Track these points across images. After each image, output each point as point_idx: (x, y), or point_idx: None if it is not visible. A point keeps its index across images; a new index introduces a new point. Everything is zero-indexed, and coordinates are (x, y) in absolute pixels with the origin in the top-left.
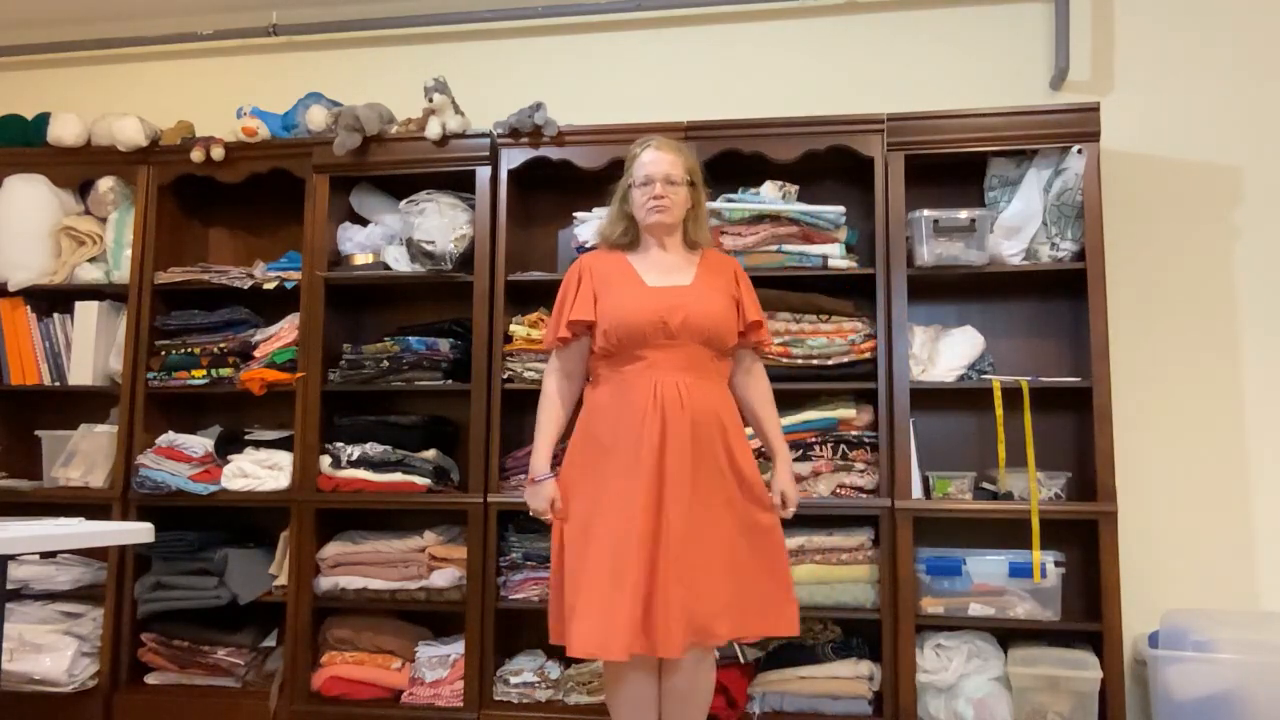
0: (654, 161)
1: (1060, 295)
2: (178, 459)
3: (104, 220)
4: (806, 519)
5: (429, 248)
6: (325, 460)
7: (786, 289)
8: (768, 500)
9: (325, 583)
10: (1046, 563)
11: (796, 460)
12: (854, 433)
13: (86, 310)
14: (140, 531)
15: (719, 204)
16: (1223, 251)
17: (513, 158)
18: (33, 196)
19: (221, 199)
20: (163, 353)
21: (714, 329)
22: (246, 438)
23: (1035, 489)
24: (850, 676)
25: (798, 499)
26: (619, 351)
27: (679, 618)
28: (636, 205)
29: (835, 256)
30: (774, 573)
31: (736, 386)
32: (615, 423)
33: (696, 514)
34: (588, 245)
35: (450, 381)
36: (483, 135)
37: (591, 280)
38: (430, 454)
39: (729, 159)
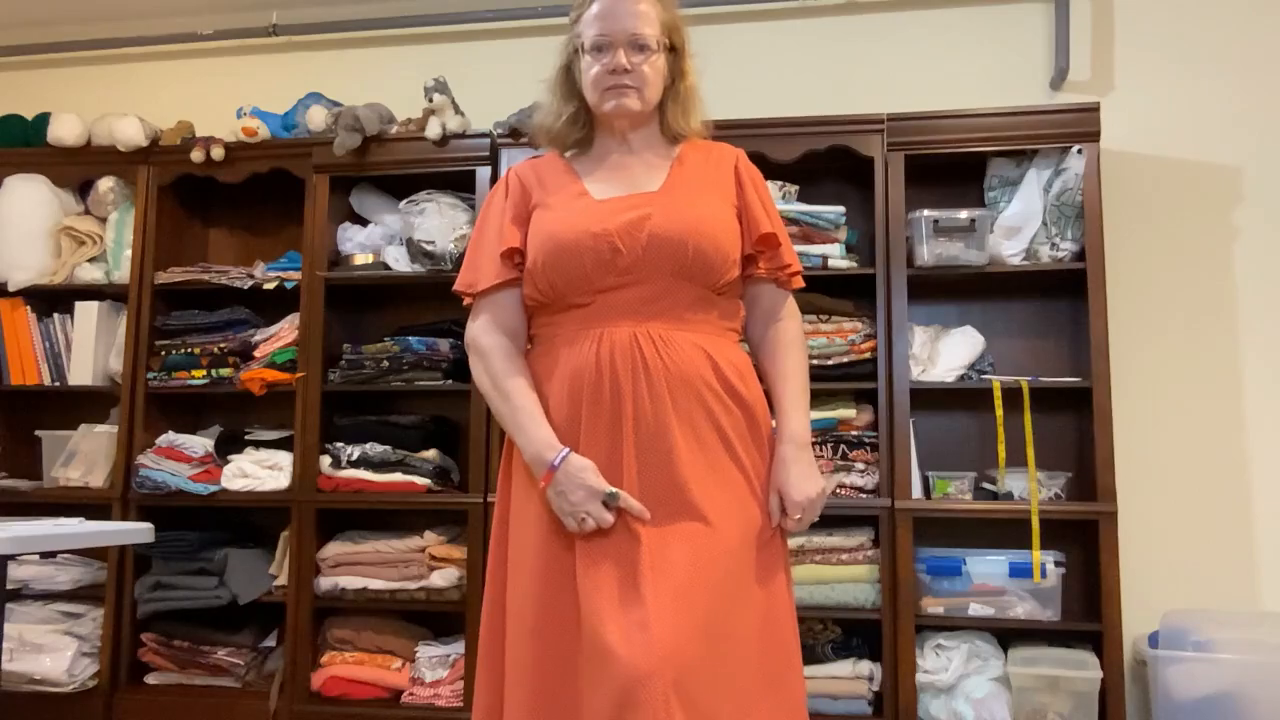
0: (610, 14)
1: (1060, 295)
2: (178, 459)
3: (104, 220)
4: None
5: (429, 248)
6: (325, 460)
7: None
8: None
9: (325, 583)
10: (1046, 563)
11: None
12: (854, 433)
13: (86, 310)
14: (140, 531)
15: None
16: (1223, 251)
17: (513, 158)
18: (33, 196)
19: (221, 199)
20: (163, 353)
21: (697, 249)
22: (246, 438)
23: (1035, 489)
24: (850, 676)
25: (813, 505)
26: (554, 299)
27: None
28: (588, 83)
29: (835, 256)
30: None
31: (753, 343)
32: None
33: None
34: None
35: (450, 381)
36: (483, 135)
37: (524, 195)
38: (430, 454)
39: None
